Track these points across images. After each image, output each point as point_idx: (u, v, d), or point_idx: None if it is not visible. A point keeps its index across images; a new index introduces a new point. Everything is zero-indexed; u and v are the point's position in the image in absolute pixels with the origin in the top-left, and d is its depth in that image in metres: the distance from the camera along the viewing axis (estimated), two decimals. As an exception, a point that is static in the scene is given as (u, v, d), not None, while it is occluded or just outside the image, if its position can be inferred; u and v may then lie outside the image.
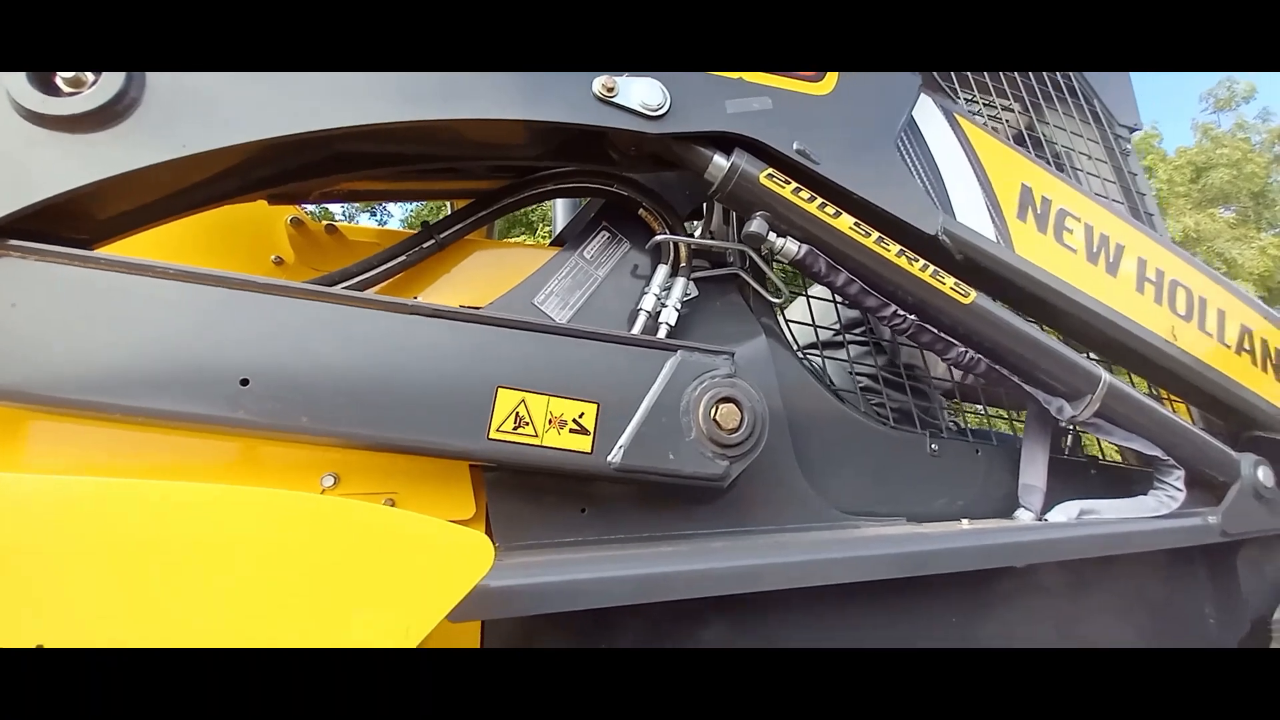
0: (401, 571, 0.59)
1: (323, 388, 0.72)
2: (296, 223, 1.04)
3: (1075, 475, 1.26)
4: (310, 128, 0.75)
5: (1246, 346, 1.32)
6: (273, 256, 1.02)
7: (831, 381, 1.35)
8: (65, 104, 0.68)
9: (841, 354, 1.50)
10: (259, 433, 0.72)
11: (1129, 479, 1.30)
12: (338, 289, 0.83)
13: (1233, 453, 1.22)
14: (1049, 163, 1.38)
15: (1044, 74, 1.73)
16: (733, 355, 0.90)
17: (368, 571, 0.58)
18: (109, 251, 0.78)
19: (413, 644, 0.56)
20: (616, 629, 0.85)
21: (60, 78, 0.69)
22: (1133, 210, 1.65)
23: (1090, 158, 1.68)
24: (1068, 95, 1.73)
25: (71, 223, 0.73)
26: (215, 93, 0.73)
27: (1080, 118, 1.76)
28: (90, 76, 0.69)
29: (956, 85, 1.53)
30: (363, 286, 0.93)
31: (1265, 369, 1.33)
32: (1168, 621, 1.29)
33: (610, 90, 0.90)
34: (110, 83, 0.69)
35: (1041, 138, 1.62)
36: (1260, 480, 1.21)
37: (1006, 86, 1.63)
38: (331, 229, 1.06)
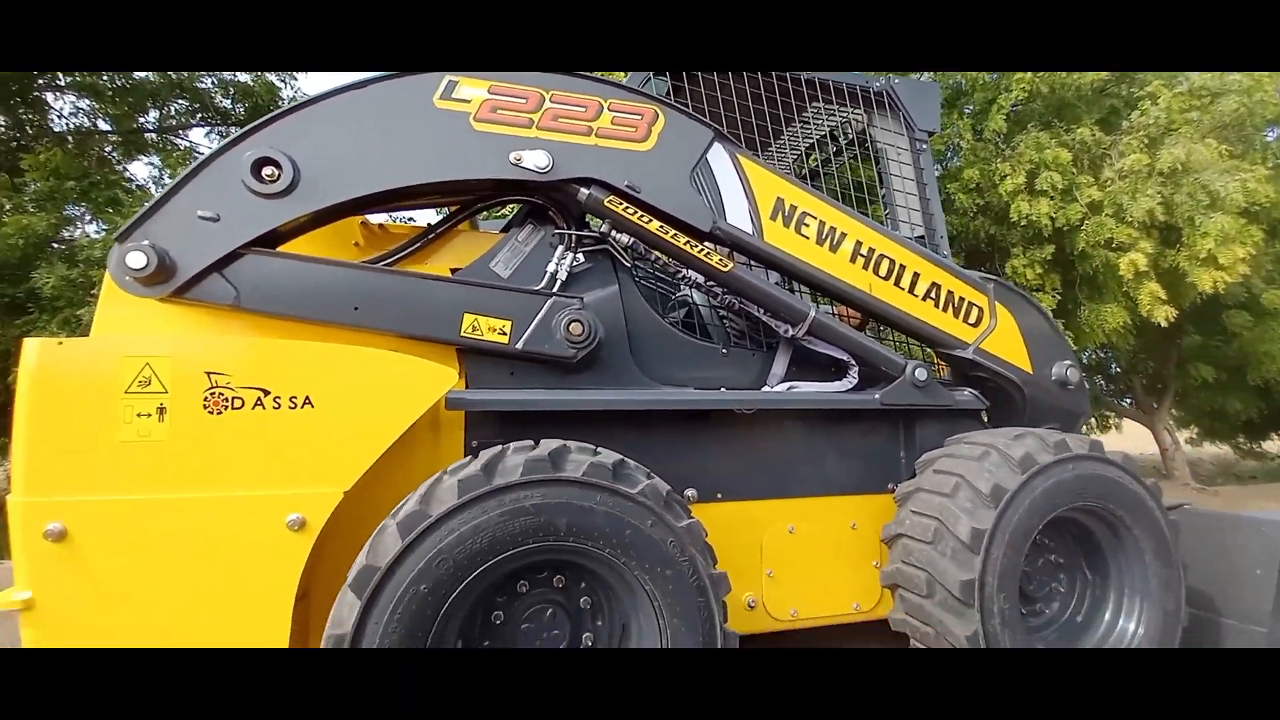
0: (409, 372, 1.63)
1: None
2: (365, 223, 2.03)
3: (813, 369, 2.21)
4: (377, 188, 1.72)
5: (931, 295, 2.20)
6: (354, 242, 2.02)
7: (666, 314, 2.30)
8: (269, 186, 1.66)
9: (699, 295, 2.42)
10: (363, 328, 1.73)
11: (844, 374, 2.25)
12: (382, 265, 1.83)
13: (899, 358, 2.16)
14: (809, 184, 2.23)
15: (871, 84, 2.49)
16: (582, 299, 1.88)
17: (406, 376, 1.62)
18: (289, 249, 1.79)
19: (436, 395, 1.60)
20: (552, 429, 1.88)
21: (264, 171, 1.65)
22: (921, 197, 2.48)
23: (897, 150, 2.48)
24: (888, 105, 2.49)
25: (272, 240, 1.73)
26: (330, 174, 1.69)
27: (895, 123, 2.53)
28: (278, 171, 1.65)
29: (805, 92, 2.33)
30: (402, 259, 1.92)
31: (945, 309, 2.22)
32: (878, 460, 2.27)
33: (519, 159, 1.82)
34: (289, 173, 1.65)
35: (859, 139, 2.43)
36: (916, 375, 2.15)
37: (846, 98, 2.42)
38: (382, 227, 2.04)
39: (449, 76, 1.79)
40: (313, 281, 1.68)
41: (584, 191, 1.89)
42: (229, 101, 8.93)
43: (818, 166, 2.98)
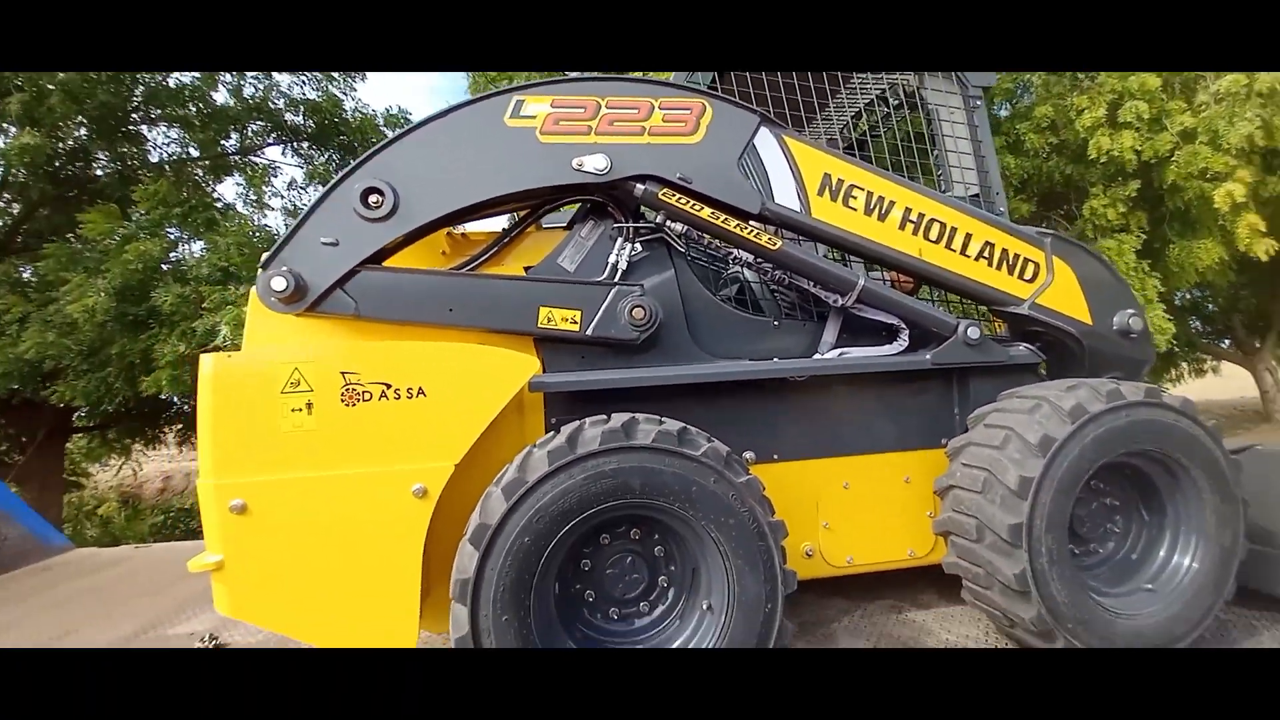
0: (498, 362, 1.91)
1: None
2: (450, 234, 2.31)
3: (865, 335, 2.34)
4: (462, 205, 1.99)
5: (985, 255, 2.26)
6: (441, 251, 2.30)
7: (716, 293, 2.47)
8: (375, 212, 1.95)
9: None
10: (458, 326, 2.01)
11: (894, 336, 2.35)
12: (466, 271, 2.11)
13: (950, 318, 2.25)
14: (858, 152, 2.32)
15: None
16: (642, 285, 2.09)
17: (496, 366, 1.90)
18: (393, 263, 2.09)
19: (522, 381, 1.88)
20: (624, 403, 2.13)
21: (370, 199, 1.95)
22: (976, 155, 2.51)
23: (950, 109, 2.52)
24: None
25: (379, 256, 2.03)
26: (423, 196, 1.96)
27: (946, 81, 2.55)
28: (382, 197, 1.94)
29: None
30: (482, 263, 2.19)
31: (999, 267, 2.27)
32: (931, 417, 2.39)
33: (580, 164, 2.03)
34: (390, 198, 1.94)
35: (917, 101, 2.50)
36: (967, 335, 2.23)
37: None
38: (464, 235, 2.32)
39: (517, 96, 2.02)
40: (414, 290, 1.98)
41: (639, 187, 2.09)
42: (299, 118, 9.60)
43: (865, 133, 3.02)
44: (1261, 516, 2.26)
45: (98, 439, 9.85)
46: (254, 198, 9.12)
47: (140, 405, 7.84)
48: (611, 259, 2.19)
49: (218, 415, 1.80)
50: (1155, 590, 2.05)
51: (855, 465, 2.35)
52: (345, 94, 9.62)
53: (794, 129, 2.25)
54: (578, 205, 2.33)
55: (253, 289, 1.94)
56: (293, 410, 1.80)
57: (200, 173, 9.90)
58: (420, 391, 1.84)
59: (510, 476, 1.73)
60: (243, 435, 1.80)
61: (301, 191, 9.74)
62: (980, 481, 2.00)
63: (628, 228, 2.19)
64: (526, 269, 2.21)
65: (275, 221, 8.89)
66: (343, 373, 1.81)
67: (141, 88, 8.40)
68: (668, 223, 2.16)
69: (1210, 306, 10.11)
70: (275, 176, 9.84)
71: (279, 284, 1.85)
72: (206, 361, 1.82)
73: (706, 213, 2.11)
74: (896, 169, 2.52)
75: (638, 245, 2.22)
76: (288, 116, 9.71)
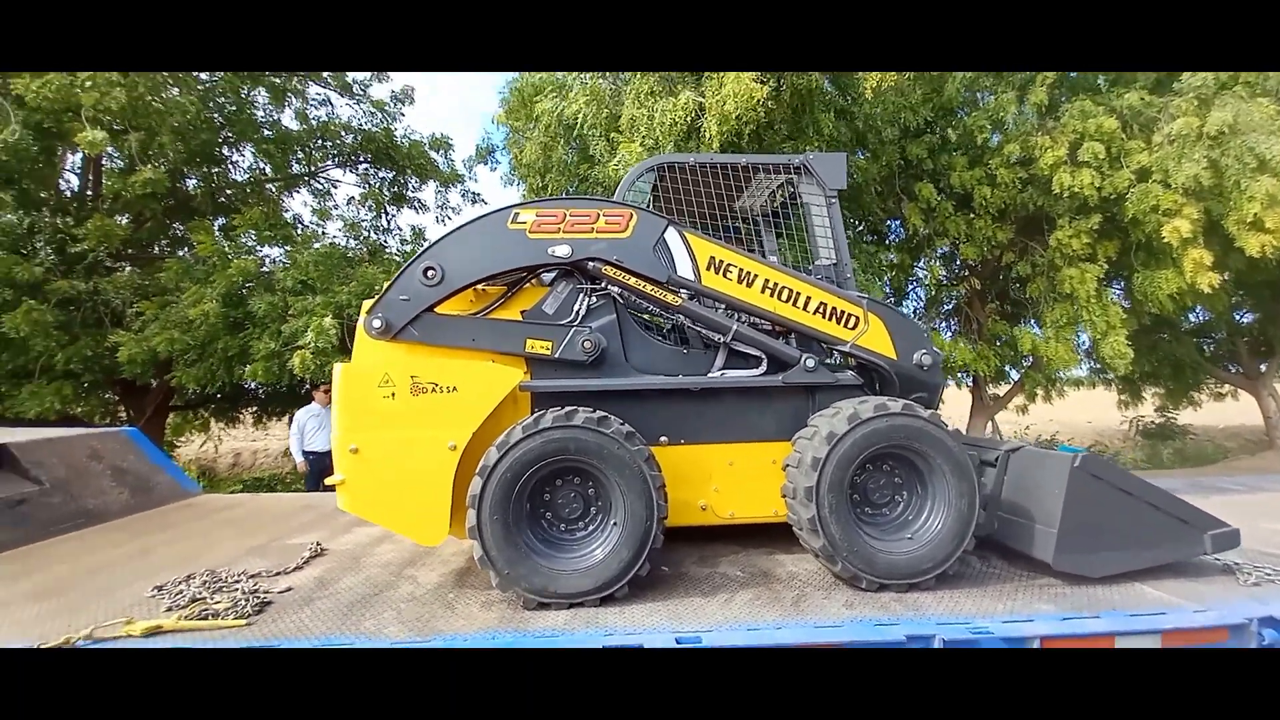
0: (500, 371, 3.35)
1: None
2: (476, 289, 3.78)
3: (742, 361, 3.66)
4: (482, 275, 3.44)
5: (819, 310, 3.54)
6: (470, 299, 3.75)
7: (654, 330, 3.84)
8: (431, 281, 3.42)
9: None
10: (478, 349, 3.46)
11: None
12: (483, 314, 3.56)
13: (796, 352, 3.54)
14: (734, 242, 3.65)
15: (792, 160, 3.81)
16: (591, 327, 3.49)
17: (496, 375, 3.34)
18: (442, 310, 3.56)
19: (512, 385, 3.32)
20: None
21: (428, 273, 3.41)
22: (833, 237, 3.79)
23: (816, 206, 3.81)
24: (806, 172, 3.81)
25: (433, 306, 3.50)
26: (460, 270, 3.42)
27: (810, 185, 3.84)
28: (435, 272, 3.41)
29: (753, 165, 3.76)
30: (495, 308, 3.64)
31: (830, 319, 3.55)
32: (793, 419, 3.68)
33: (553, 252, 3.45)
34: (439, 272, 3.40)
35: (786, 202, 3.80)
36: (806, 364, 3.52)
37: (779, 169, 3.79)
38: (484, 290, 3.79)
39: (515, 210, 3.44)
40: (452, 326, 3.44)
41: (591, 264, 3.48)
42: (355, 140, 11.43)
43: (780, 205, 4.32)
44: (1022, 498, 3.45)
45: (190, 417, 12.01)
46: (318, 215, 10.99)
47: (229, 391, 9.81)
48: (576, 306, 3.59)
49: (344, 397, 3.30)
50: (912, 539, 3.28)
51: (738, 450, 3.68)
52: (395, 118, 11.35)
53: (696, 224, 3.60)
54: (557, 271, 3.74)
55: (359, 322, 3.45)
56: (383, 397, 3.28)
57: (273, 189, 11.89)
58: (454, 388, 3.29)
59: (500, 440, 3.15)
60: (356, 409, 3.29)
61: (360, 207, 11.58)
62: (797, 460, 3.29)
63: (586, 288, 3.59)
64: (523, 312, 3.64)
65: (339, 237, 10.68)
66: (411, 376, 3.28)
67: (225, 117, 10.33)
68: (609, 285, 3.55)
69: (1215, 333, 10.67)
70: (335, 189, 11.74)
71: (376, 323, 3.34)
72: (338, 368, 3.33)
73: (633, 281, 3.49)
74: (792, 238, 3.84)
75: (593, 298, 3.62)
76: (346, 138, 11.54)
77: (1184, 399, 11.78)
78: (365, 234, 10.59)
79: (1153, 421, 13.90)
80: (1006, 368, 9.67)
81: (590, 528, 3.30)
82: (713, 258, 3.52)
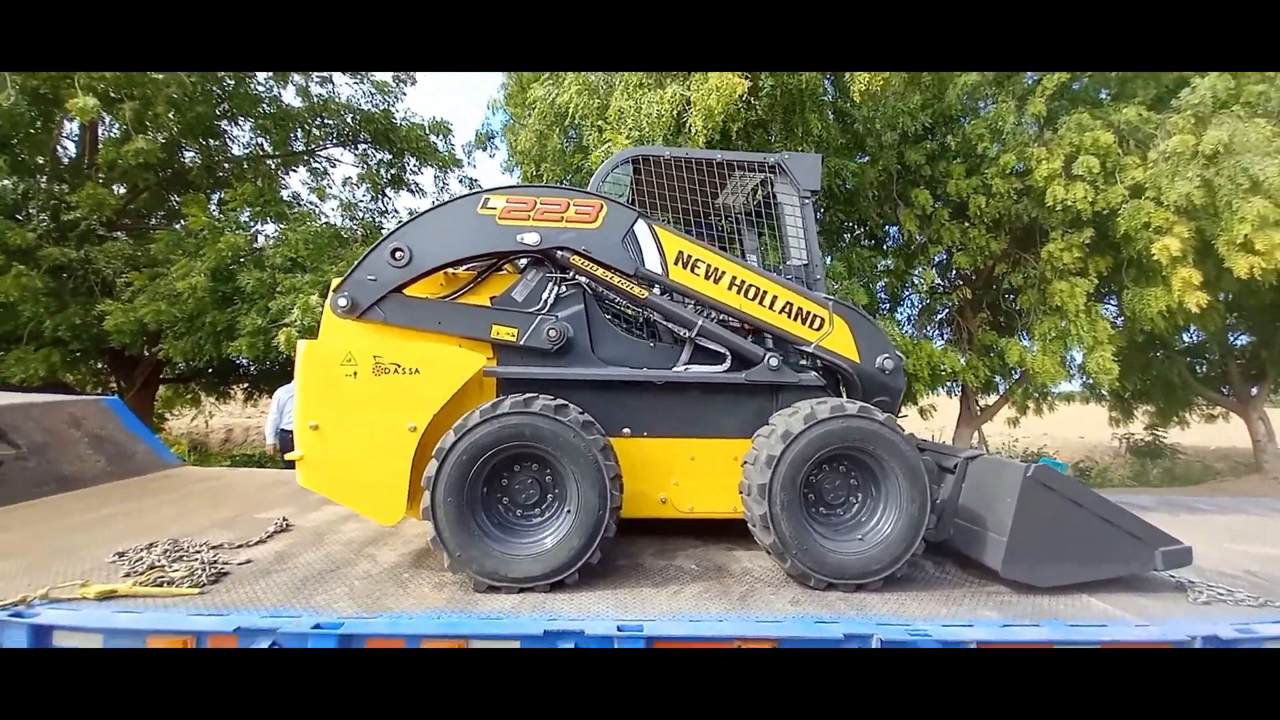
0: (464, 356, 3.40)
1: (454, 324, 3.52)
2: (446, 272, 3.81)
3: (708, 357, 3.69)
4: (449, 259, 3.47)
5: (784, 310, 3.57)
6: (439, 283, 3.79)
7: (622, 323, 3.88)
8: (399, 262, 3.46)
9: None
10: (444, 333, 3.51)
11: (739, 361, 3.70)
12: (452, 299, 3.60)
13: (759, 350, 3.57)
14: (703, 238, 3.68)
15: (767, 159, 3.84)
16: (557, 315, 3.53)
17: (459, 359, 3.39)
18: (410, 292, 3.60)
19: (474, 370, 3.36)
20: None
21: (396, 254, 3.45)
22: (805, 237, 3.82)
23: (790, 205, 3.83)
24: (781, 172, 3.83)
25: (401, 287, 3.55)
26: (428, 252, 3.45)
27: (785, 185, 3.86)
28: (404, 254, 3.45)
29: (731, 162, 3.78)
30: (464, 293, 3.68)
31: (795, 319, 3.58)
32: (755, 417, 3.71)
33: (522, 239, 3.49)
34: (408, 254, 3.44)
35: (764, 200, 3.82)
36: (769, 363, 3.56)
37: (756, 168, 3.81)
38: (454, 274, 3.82)
39: (485, 195, 3.47)
40: (418, 309, 3.48)
41: (560, 253, 3.51)
42: (356, 123, 11.47)
43: (760, 202, 4.34)
44: (978, 505, 3.49)
45: (180, 390, 12.10)
46: (314, 193, 11.04)
47: (219, 366, 9.89)
48: (545, 295, 3.63)
49: (306, 374, 3.34)
50: (863, 540, 3.32)
51: (700, 445, 3.71)
52: (396, 99, 11.37)
53: (677, 219, 3.63)
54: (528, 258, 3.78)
55: (327, 301, 3.48)
56: (345, 375, 3.32)
57: (272, 164, 11.93)
58: (416, 370, 3.33)
59: (458, 423, 3.19)
60: (318, 386, 3.33)
61: (355, 188, 11.64)
62: (754, 458, 3.33)
63: (555, 277, 3.62)
64: (492, 298, 3.67)
65: (334, 216, 10.76)
66: (374, 356, 3.32)
67: (224, 91, 10.35)
68: (577, 275, 3.58)
69: (1206, 354, 10.68)
70: (333, 168, 11.79)
71: (342, 301, 3.38)
72: (302, 344, 3.37)
73: (600, 272, 3.52)
74: (772, 237, 3.87)
75: (561, 287, 3.65)
76: (347, 117, 11.58)
77: (1174, 418, 11.81)
78: (362, 215, 10.63)
79: (1142, 439, 13.95)
80: (996, 379, 9.68)
81: (545, 515, 3.34)
82: (681, 252, 3.55)
